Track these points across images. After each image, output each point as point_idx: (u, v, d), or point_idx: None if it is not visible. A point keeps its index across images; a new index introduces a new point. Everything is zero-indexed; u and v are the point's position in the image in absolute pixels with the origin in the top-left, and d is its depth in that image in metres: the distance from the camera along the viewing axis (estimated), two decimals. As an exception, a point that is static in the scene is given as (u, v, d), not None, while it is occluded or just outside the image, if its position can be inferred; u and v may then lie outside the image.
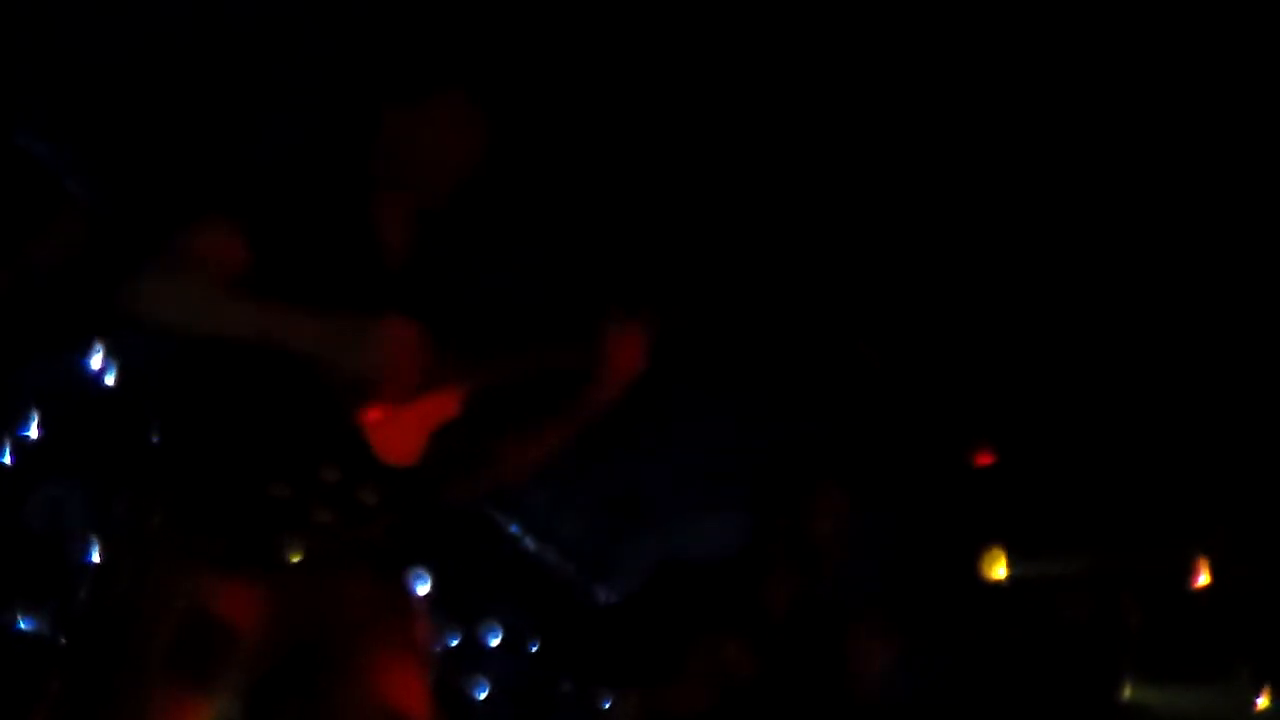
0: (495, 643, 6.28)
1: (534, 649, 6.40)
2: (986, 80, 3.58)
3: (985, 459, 5.21)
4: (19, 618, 4.15)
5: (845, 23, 3.47)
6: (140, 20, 3.71)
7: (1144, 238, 3.99)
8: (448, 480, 2.23)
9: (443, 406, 2.12)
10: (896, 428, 5.00)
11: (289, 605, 1.93)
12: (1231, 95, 3.40)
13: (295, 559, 1.90)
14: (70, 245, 4.24)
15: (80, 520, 4.64)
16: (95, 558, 4.45)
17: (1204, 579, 5.23)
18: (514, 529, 6.25)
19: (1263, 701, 5.16)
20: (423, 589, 5.31)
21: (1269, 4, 3.07)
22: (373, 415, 2.00)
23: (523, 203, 4.06)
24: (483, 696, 6.15)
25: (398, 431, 2.03)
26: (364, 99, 2.35)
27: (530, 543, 6.35)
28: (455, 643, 5.94)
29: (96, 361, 4.84)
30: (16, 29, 3.85)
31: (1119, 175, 3.80)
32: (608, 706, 4.32)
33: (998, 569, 5.52)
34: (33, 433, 4.69)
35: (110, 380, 4.87)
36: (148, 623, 1.84)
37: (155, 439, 2.06)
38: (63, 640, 3.88)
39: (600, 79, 3.69)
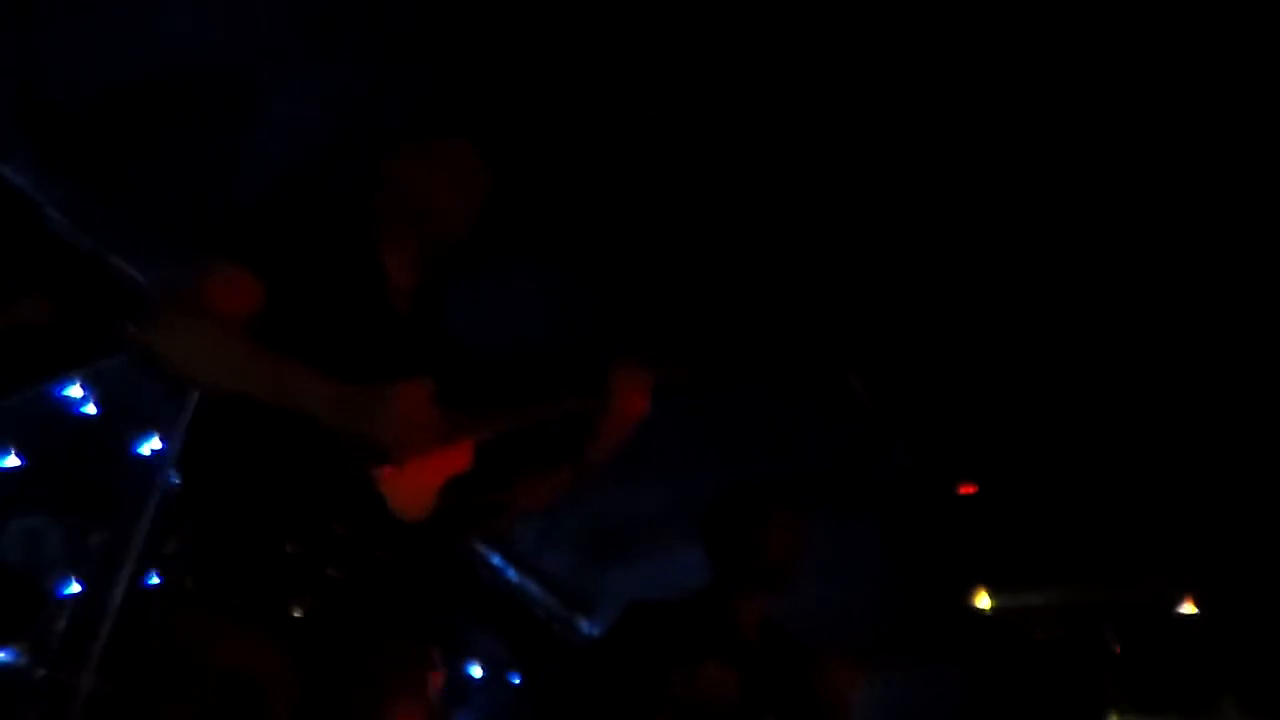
0: (477, 674, 6.25)
1: (516, 681, 6.37)
2: (967, 121, 3.61)
3: (968, 489, 5.22)
4: (-5, 650, 4.10)
5: (826, 74, 3.51)
6: (125, 50, 3.70)
7: (1123, 266, 4.01)
8: (458, 530, 2.25)
9: (455, 460, 2.13)
10: (881, 457, 5.00)
11: (306, 656, 1.94)
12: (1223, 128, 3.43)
13: (301, 614, 1.92)
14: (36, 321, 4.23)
15: (57, 552, 4.59)
16: (73, 589, 4.41)
17: (1189, 609, 5.25)
18: (497, 561, 6.23)
19: (1248, 732, 5.16)
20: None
21: (1269, 4, 3.08)
22: (386, 470, 2.01)
23: (530, 247, 4.08)
24: (465, 729, 6.11)
25: (411, 485, 2.04)
26: (370, 146, 2.37)
27: (513, 575, 6.32)
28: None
29: (75, 391, 4.80)
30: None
31: (1099, 210, 3.83)
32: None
33: (982, 599, 5.52)
34: (10, 462, 4.65)
35: (89, 410, 4.84)
36: (179, 679, 1.86)
37: (181, 495, 2.08)
38: (41, 673, 3.84)
39: (605, 124, 3.71)
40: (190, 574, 1.94)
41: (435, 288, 2.34)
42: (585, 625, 6.61)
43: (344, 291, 2.14)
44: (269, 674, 1.89)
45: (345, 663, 1.98)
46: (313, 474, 1.98)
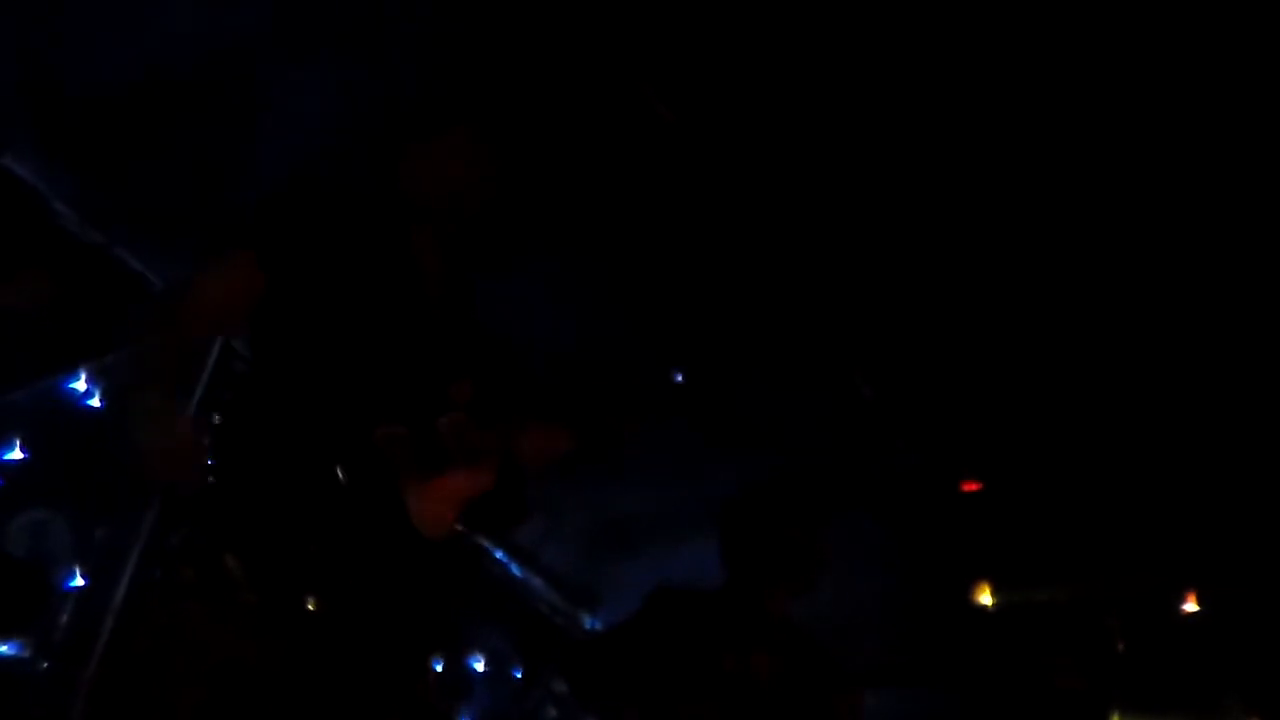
0: (480, 669, 6.25)
1: (519, 676, 6.37)
2: (970, 121, 3.61)
3: (972, 486, 5.23)
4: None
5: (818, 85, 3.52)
6: (132, 42, 3.70)
7: (1126, 265, 4.01)
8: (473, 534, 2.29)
9: (477, 479, 2.13)
10: (884, 456, 5.01)
11: (307, 653, 1.96)
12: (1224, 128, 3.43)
13: (313, 607, 1.94)
14: (35, 295, 4.23)
15: (63, 545, 4.59)
16: (77, 583, 4.42)
17: (1192, 606, 5.25)
18: (500, 556, 6.23)
19: (1251, 730, 5.16)
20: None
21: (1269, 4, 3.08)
22: (410, 489, 2.02)
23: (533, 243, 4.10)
24: (467, 724, 6.11)
25: (434, 506, 2.06)
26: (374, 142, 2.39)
27: (516, 570, 6.32)
28: (440, 669, 5.89)
29: (81, 384, 4.80)
30: (3, 49, 3.84)
31: (1104, 208, 3.83)
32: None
33: (984, 596, 5.52)
34: (15, 455, 4.65)
35: (95, 402, 4.84)
36: (180, 672, 1.87)
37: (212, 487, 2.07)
38: (44, 666, 3.85)
39: (612, 121, 3.72)
40: (194, 565, 1.95)
41: (465, 285, 2.37)
42: (588, 620, 6.62)
43: (374, 277, 2.16)
44: (266, 664, 1.90)
45: (341, 661, 1.99)
46: (342, 479, 1.98)
